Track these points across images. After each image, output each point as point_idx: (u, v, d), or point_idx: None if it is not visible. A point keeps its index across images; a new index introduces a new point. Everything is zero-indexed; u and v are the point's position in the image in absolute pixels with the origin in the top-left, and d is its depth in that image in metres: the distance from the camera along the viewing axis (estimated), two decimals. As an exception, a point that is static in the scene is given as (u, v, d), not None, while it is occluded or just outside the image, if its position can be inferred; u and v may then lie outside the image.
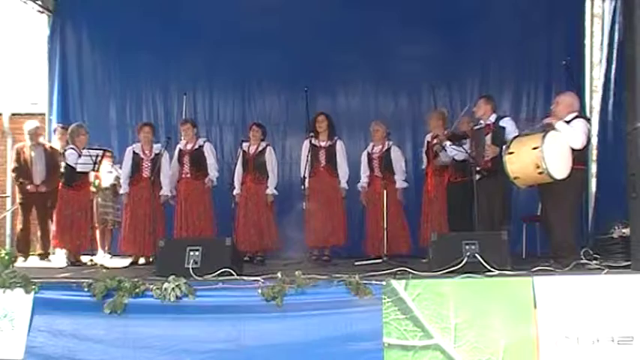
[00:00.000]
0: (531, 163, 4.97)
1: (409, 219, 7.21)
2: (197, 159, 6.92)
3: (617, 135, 6.34)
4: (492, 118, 6.09)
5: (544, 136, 4.98)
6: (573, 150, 5.11)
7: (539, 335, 4.01)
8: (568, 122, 5.24)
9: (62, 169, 7.08)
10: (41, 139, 7.50)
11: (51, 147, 7.52)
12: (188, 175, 6.90)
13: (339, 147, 6.98)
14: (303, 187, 6.69)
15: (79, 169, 6.81)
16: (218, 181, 7.06)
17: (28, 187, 7.27)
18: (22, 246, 7.31)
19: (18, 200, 7.54)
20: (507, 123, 5.97)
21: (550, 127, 5.18)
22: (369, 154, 7.09)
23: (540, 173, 4.95)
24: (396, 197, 6.87)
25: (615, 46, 6.96)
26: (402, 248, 6.83)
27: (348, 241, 7.06)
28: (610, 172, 6.70)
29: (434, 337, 4.02)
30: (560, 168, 4.98)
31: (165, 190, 6.80)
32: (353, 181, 7.16)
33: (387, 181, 6.80)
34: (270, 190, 6.94)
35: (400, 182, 6.95)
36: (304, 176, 6.68)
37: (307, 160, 6.73)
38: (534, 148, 4.95)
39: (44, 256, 7.37)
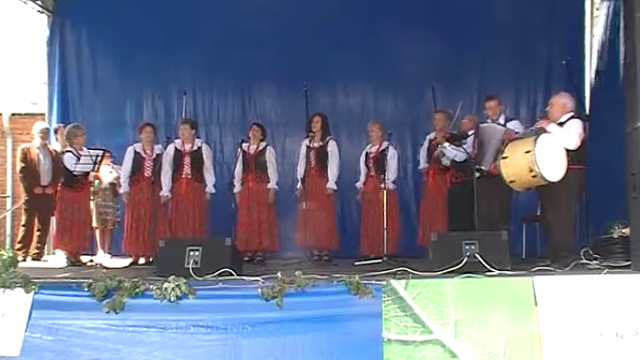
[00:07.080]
0: (525, 166, 4.97)
1: (409, 219, 7.17)
2: (196, 160, 6.89)
3: (617, 135, 6.32)
4: (502, 119, 6.05)
5: (536, 140, 4.98)
6: (569, 150, 5.11)
7: (541, 331, 4.00)
8: (563, 123, 5.24)
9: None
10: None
11: (54, 150, 7.55)
12: (189, 177, 6.85)
13: (331, 147, 6.92)
14: (297, 188, 6.78)
15: (78, 169, 6.80)
16: (217, 181, 7.03)
17: (36, 189, 7.29)
18: (24, 245, 7.31)
19: (23, 201, 7.51)
20: (516, 126, 5.91)
21: (542, 130, 5.18)
22: (366, 154, 7.07)
23: (534, 176, 4.95)
24: (390, 197, 6.72)
25: (615, 45, 6.94)
26: (389, 248, 6.55)
27: (347, 241, 7.05)
28: (608, 171, 6.68)
29: (434, 332, 4.00)
30: (553, 170, 4.98)
31: (166, 191, 6.79)
32: (349, 182, 7.15)
33: (383, 181, 6.75)
34: (272, 184, 6.93)
35: (389, 183, 6.77)
36: (300, 178, 6.73)
37: (303, 162, 6.79)
38: (527, 152, 4.96)
39: (38, 256, 7.35)
